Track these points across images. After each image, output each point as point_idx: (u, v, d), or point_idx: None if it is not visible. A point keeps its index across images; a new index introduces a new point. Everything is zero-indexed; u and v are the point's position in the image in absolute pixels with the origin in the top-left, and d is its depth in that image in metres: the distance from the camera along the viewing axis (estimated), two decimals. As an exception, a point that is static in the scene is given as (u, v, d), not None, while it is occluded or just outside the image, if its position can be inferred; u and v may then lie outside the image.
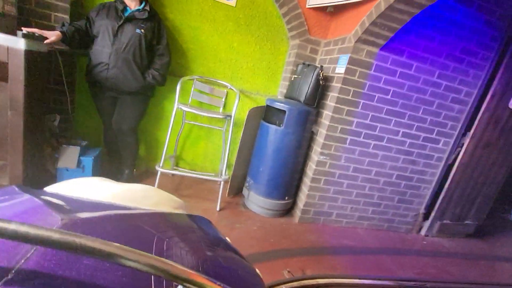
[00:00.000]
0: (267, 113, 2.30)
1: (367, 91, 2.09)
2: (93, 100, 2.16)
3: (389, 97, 2.14)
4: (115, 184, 0.62)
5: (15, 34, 1.46)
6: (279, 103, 2.14)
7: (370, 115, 2.16)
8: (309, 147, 2.34)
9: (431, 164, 2.45)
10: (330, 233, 2.30)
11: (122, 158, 2.28)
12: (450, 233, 2.71)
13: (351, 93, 2.07)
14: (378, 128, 2.22)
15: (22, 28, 1.59)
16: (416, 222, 2.64)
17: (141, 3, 1.97)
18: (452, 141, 2.40)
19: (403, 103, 2.18)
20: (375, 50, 1.99)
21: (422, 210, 2.60)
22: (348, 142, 2.20)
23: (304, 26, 2.36)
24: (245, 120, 2.28)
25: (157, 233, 0.41)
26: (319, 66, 2.15)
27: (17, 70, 1.46)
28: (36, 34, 1.60)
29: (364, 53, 1.98)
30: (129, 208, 0.48)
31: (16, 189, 0.48)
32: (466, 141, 2.39)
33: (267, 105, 2.28)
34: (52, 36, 1.73)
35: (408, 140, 2.31)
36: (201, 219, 0.58)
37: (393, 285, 1.79)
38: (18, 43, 1.43)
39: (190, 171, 2.66)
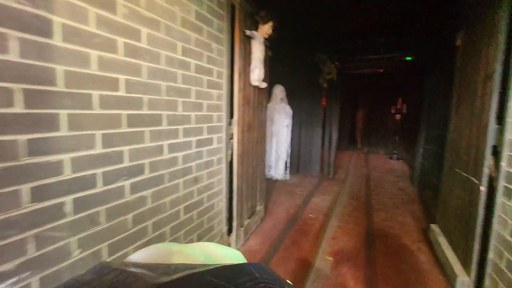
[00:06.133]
0: None
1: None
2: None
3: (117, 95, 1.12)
4: (180, 246, 0.64)
5: None
6: None
7: (100, 136, 1.04)
8: None
9: (214, 171, 1.86)
10: None
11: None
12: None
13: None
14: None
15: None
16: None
17: None
18: (223, 135, 1.93)
19: (152, 100, 1.27)
20: None
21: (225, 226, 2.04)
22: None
23: None
24: None
25: (228, 284, 0.42)
26: None
27: None
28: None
29: None
30: (198, 266, 0.48)
31: (107, 266, 0.49)
32: (235, 129, 2.03)
33: None
34: None
35: (180, 154, 1.50)
36: (258, 265, 0.52)
37: None
38: None
39: None
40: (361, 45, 4.19)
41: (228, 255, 0.67)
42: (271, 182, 4.26)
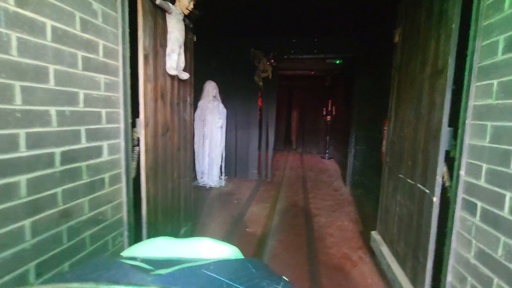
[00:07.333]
0: None
1: None
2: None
3: None
4: (177, 240, 0.74)
5: None
6: None
7: None
8: None
9: (106, 196, 1.27)
10: None
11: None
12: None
13: None
14: None
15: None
16: None
17: None
18: (121, 141, 1.34)
19: None
20: None
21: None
22: None
23: None
24: None
25: (224, 278, 0.47)
26: None
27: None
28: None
29: None
30: (196, 260, 0.57)
31: (104, 259, 0.62)
32: (141, 132, 1.46)
33: None
34: None
35: (23, 177, 0.88)
36: (255, 261, 0.63)
37: None
38: None
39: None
40: (296, 43, 4.05)
41: (225, 250, 0.70)
42: (204, 191, 3.74)
